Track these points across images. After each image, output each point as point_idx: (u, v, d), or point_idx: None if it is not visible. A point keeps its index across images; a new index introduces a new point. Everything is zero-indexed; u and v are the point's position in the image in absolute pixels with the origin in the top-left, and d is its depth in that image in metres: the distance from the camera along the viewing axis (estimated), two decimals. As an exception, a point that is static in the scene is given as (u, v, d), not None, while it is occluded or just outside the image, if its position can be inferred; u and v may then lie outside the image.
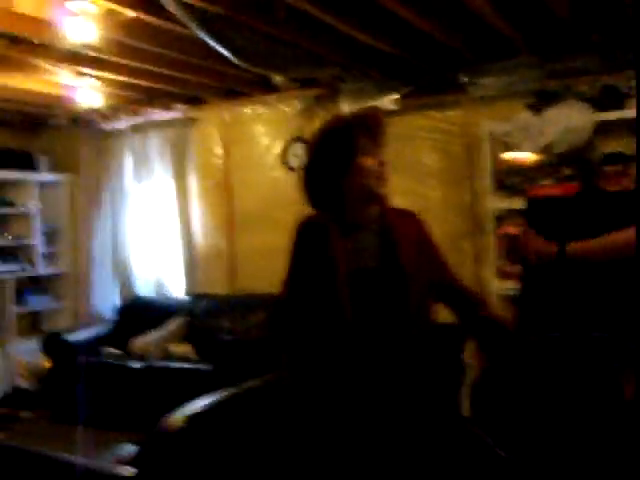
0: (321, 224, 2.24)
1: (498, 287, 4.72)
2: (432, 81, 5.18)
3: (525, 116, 4.66)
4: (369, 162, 2.23)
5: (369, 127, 2.26)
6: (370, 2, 3.73)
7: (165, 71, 5.12)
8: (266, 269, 5.83)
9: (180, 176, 6.47)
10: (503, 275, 4.73)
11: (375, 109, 2.37)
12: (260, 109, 6.07)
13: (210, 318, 5.91)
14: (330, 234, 2.19)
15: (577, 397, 2.25)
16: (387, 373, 2.13)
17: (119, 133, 6.84)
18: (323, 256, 2.16)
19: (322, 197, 2.27)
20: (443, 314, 5.25)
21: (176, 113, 6.38)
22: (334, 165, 2.21)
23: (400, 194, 5.41)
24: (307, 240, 2.26)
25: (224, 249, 6.33)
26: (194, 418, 2.88)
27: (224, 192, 6.30)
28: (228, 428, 2.99)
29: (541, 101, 4.68)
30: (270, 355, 2.49)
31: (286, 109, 5.89)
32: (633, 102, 4.52)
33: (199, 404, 3.01)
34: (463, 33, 4.57)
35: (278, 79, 5.39)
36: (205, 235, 6.45)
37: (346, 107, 5.34)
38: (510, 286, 4.58)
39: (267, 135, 6.06)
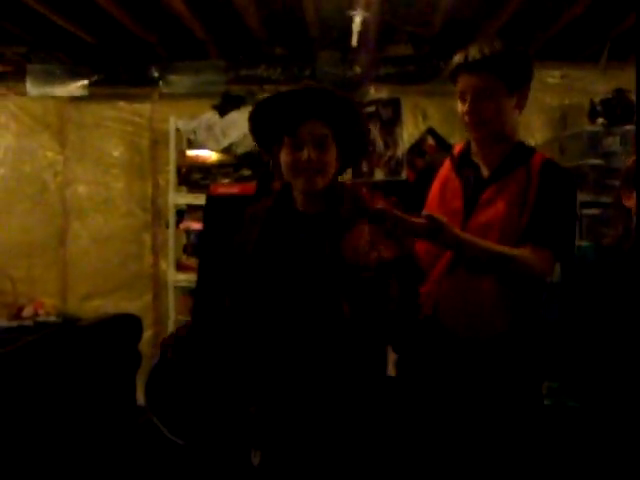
0: None
1: (175, 279, 4.85)
2: (123, 72, 5.16)
3: (211, 116, 4.84)
4: None
5: None
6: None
7: None
8: None
9: None
10: (181, 268, 4.87)
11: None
12: None
13: None
14: None
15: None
16: None
17: None
18: None
19: None
20: (123, 304, 5.26)
21: None
22: None
23: (83, 183, 5.42)
24: None
25: None
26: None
27: None
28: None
29: (226, 103, 4.89)
30: None
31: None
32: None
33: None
34: (158, 29, 4.65)
35: (-43, 50, 5.05)
36: None
37: (32, 88, 5.15)
38: (187, 278, 4.75)
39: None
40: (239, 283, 2.15)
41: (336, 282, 2.00)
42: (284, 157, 2.07)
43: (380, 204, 1.98)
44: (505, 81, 2.25)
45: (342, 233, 1.99)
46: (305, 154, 2.02)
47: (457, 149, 2.49)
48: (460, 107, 2.33)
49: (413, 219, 2.03)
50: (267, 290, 2.09)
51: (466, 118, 2.31)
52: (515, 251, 2.19)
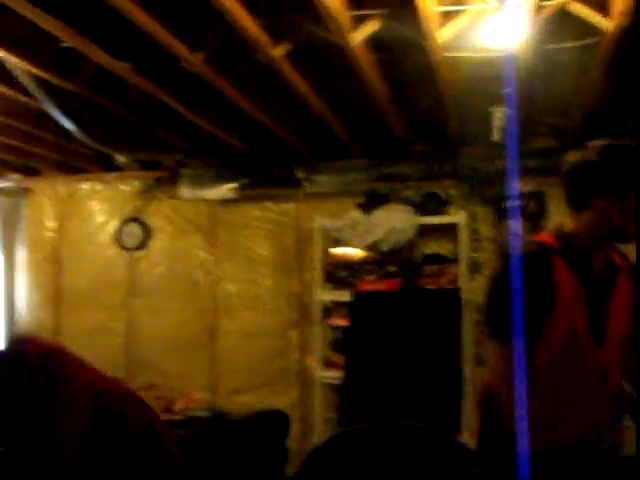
0: None
1: (322, 376, 4.89)
2: (270, 174, 5.38)
3: (355, 214, 4.95)
4: None
5: None
6: (216, 94, 3.89)
7: (-1, 138, 4.97)
8: (91, 349, 5.71)
9: (8, 247, 6.26)
10: (327, 364, 4.92)
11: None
12: (98, 186, 6.01)
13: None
14: None
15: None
16: None
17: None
18: None
19: None
20: (270, 399, 5.31)
21: (9, 182, 6.22)
22: None
23: (233, 281, 5.60)
24: None
25: (49, 326, 6.08)
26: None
27: (52, 267, 6.13)
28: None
29: (370, 201, 4.99)
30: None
31: (125, 188, 5.89)
32: (451, 208, 4.94)
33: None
34: (302, 132, 4.84)
35: (120, 159, 5.42)
36: (30, 311, 6.20)
37: (185, 192, 5.45)
38: (333, 375, 4.78)
39: (103, 213, 5.99)
40: None
41: None
42: None
43: None
44: None
45: None
46: None
47: (557, 245, 2.27)
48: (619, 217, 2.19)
49: None
50: None
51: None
52: None
